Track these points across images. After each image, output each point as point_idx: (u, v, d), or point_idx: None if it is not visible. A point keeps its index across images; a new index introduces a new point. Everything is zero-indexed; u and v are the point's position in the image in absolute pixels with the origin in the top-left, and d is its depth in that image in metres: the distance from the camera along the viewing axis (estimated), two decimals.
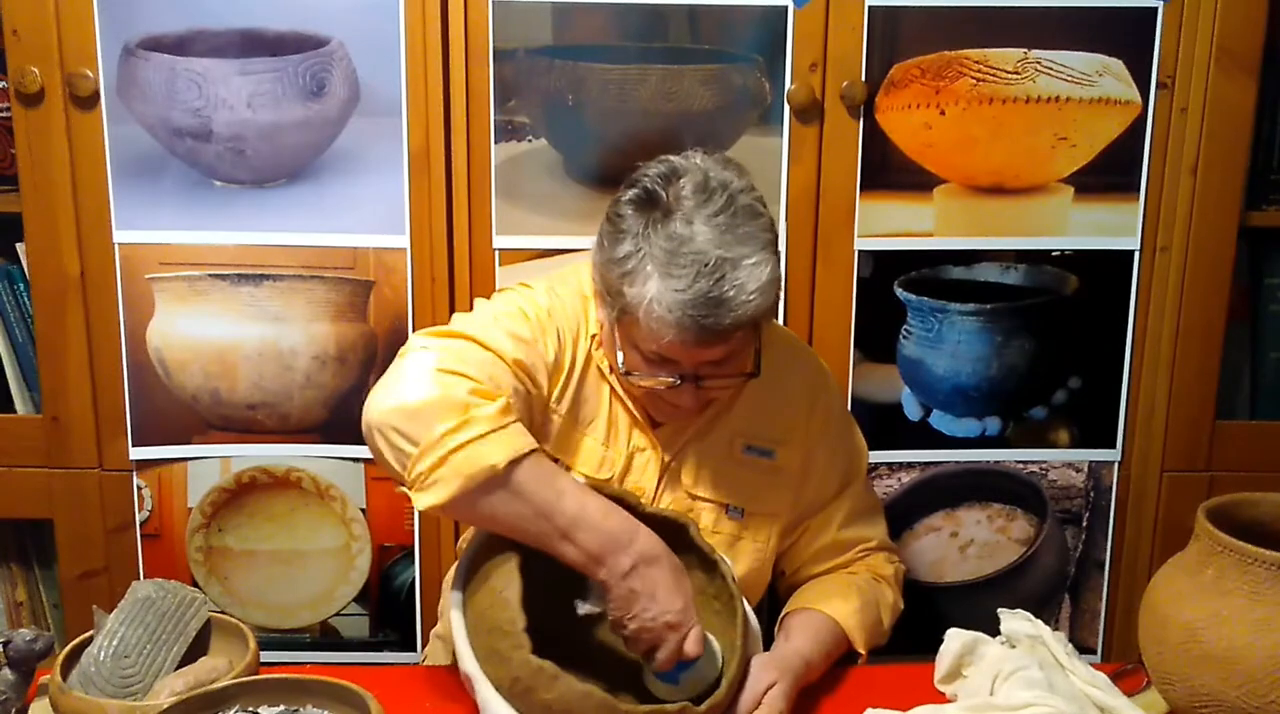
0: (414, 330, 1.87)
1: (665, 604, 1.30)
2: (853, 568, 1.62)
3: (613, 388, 1.53)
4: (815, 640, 1.48)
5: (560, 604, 1.34)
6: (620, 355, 1.45)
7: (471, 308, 1.54)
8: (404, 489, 1.33)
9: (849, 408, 1.90)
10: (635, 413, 1.52)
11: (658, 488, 1.53)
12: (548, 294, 1.52)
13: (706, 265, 1.34)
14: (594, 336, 1.52)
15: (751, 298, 1.36)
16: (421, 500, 1.29)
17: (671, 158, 1.45)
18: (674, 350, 1.40)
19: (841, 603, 1.54)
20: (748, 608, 1.40)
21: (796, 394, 1.59)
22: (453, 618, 1.33)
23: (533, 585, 1.29)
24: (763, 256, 1.37)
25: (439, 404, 1.30)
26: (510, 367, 1.41)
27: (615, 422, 1.53)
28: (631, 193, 1.43)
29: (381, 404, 1.33)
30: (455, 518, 1.35)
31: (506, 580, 1.28)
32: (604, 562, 1.30)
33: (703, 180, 1.40)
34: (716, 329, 1.36)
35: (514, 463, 1.29)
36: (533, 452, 1.32)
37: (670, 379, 1.43)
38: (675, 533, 1.40)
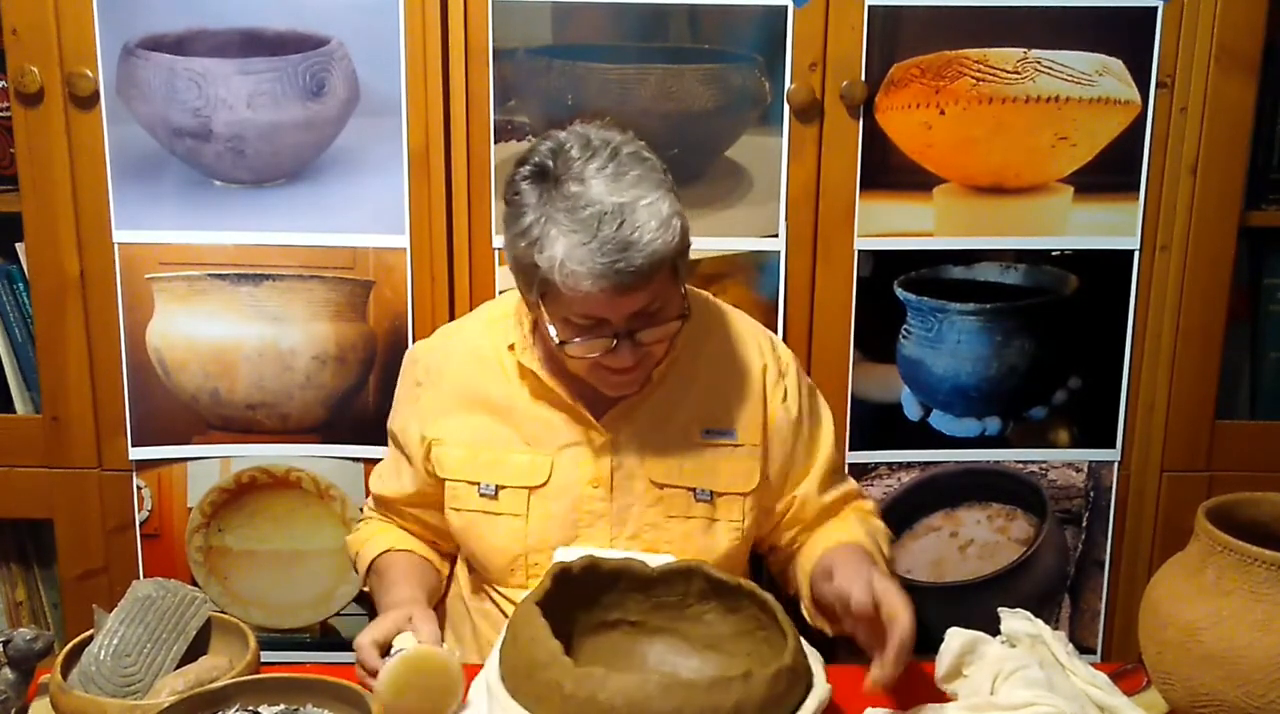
0: (413, 330, 1.88)
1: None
2: (841, 514, 1.68)
3: (534, 390, 1.56)
4: (858, 557, 1.53)
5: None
6: (552, 330, 1.47)
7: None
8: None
9: (848, 408, 1.91)
10: (569, 405, 1.55)
11: (612, 480, 1.55)
12: (427, 349, 1.67)
13: (606, 213, 1.38)
14: (511, 345, 1.57)
15: (657, 234, 1.39)
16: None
17: (553, 132, 1.50)
18: (598, 306, 1.42)
19: (850, 536, 1.60)
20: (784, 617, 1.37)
21: (747, 368, 1.62)
22: (492, 687, 1.29)
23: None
24: (657, 195, 1.41)
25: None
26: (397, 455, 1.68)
27: (541, 422, 1.57)
28: (524, 169, 1.47)
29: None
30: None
31: (530, 622, 1.27)
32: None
33: (585, 141, 1.45)
34: (630, 271, 1.38)
35: (369, 568, 1.67)
36: (377, 558, 1.66)
37: (606, 340, 1.45)
38: (687, 579, 1.41)
